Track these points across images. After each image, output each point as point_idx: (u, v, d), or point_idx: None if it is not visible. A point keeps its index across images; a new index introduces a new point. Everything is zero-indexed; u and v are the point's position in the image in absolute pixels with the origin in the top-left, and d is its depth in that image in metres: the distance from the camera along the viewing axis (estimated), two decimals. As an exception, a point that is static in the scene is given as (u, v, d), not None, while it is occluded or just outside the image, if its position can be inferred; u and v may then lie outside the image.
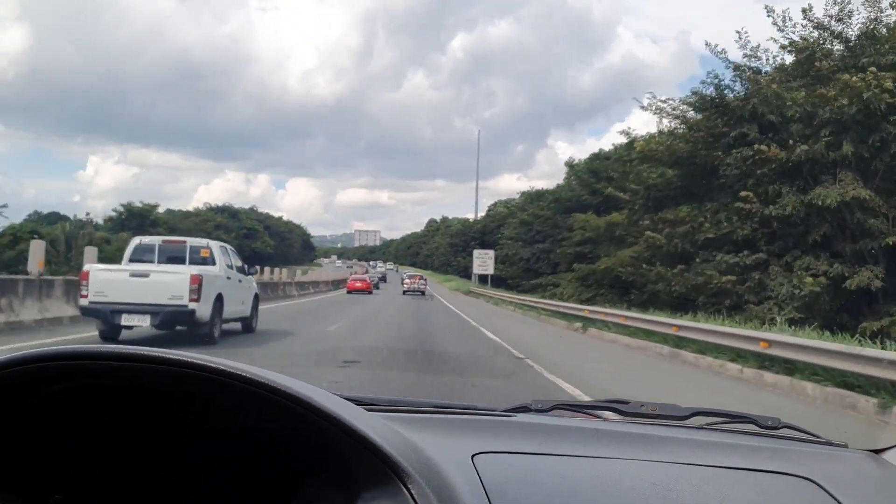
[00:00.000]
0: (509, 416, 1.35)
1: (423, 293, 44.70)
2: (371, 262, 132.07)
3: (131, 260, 10.88)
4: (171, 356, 0.80)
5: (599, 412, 1.47)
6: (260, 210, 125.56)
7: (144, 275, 9.99)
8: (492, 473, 0.92)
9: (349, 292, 42.06)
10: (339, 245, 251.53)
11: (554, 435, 1.23)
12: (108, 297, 9.75)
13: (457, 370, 9.56)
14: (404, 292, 44.84)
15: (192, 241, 11.68)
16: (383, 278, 73.00)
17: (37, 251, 13.72)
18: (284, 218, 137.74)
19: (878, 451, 1.34)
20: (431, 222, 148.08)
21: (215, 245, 11.81)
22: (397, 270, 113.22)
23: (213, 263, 11.10)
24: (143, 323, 9.85)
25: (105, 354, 0.81)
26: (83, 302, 9.93)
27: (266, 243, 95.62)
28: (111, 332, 10.04)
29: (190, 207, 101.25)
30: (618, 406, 1.46)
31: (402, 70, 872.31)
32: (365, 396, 1.33)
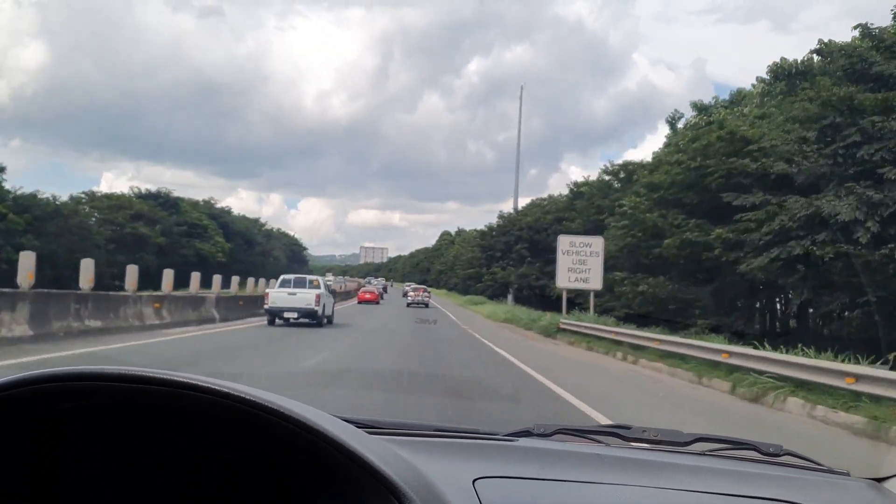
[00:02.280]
0: (512, 440, 1.36)
1: (426, 305, 43.73)
2: (366, 278, 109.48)
3: (280, 286, 20.47)
4: (170, 378, 0.80)
5: (602, 437, 1.46)
6: (268, 224, 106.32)
7: (293, 294, 19.72)
8: (493, 498, 0.93)
9: (359, 303, 43.73)
10: (344, 265, 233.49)
11: (556, 460, 1.24)
12: (276, 304, 19.58)
13: None
14: (408, 304, 43.25)
15: (309, 277, 21.78)
16: (385, 289, 68.88)
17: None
18: (295, 235, 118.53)
19: (880, 480, 1.34)
20: (445, 235, 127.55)
21: (320, 278, 22.39)
22: (392, 285, 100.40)
23: (320, 288, 20.40)
24: (292, 316, 19.25)
25: (108, 376, 0.82)
26: (266, 306, 19.93)
27: (217, 246, 70.10)
28: (273, 321, 19.58)
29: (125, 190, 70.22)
30: (620, 431, 1.46)
31: (417, 92, 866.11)
32: (368, 419, 1.35)
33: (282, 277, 21.16)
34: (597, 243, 23.76)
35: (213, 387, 0.80)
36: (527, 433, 1.44)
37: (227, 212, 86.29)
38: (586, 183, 42.38)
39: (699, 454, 1.42)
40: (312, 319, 19.25)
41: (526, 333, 23.43)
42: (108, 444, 0.90)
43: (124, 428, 0.89)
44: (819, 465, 1.41)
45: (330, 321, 21.01)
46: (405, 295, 50.61)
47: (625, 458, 1.30)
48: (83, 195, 60.33)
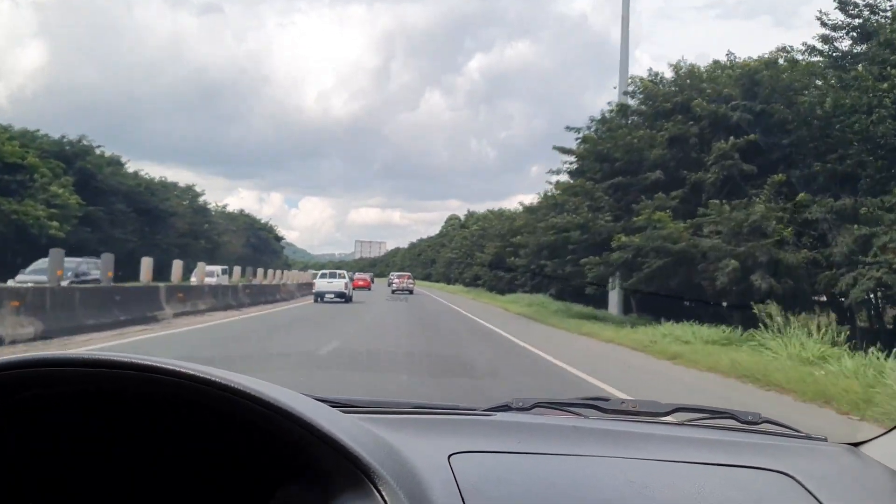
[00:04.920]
0: (489, 415, 1.35)
1: (410, 292, 44.16)
2: (353, 273, 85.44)
3: (321, 277, 31.84)
4: (138, 361, 0.80)
5: (580, 410, 1.46)
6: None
7: (330, 282, 30.36)
8: (468, 473, 0.92)
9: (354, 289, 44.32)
10: (338, 262, 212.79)
11: (533, 433, 1.23)
12: (320, 289, 29.98)
13: None
14: (393, 292, 43.45)
15: (338, 271, 32.69)
16: (371, 279, 62.90)
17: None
18: (270, 222, 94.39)
19: (857, 444, 1.35)
20: (452, 220, 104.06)
21: (346, 272, 33.67)
22: (372, 279, 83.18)
23: (345, 278, 31.10)
24: (330, 296, 29.22)
25: (69, 360, 0.81)
26: (314, 290, 30.49)
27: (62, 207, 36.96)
28: (318, 300, 29.32)
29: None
30: (598, 403, 1.46)
31: (419, 91, 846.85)
32: (343, 398, 1.34)
33: (321, 272, 34.52)
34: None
35: (180, 369, 0.80)
36: (505, 408, 1.43)
37: (108, 161, 48.04)
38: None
39: (677, 424, 1.44)
40: (343, 298, 29.47)
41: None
42: (78, 430, 0.90)
43: (92, 414, 0.88)
44: (797, 431, 1.42)
45: (351, 299, 30.32)
46: (390, 284, 50.39)
47: (603, 430, 1.30)
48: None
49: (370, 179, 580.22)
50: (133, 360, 0.79)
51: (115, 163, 49.08)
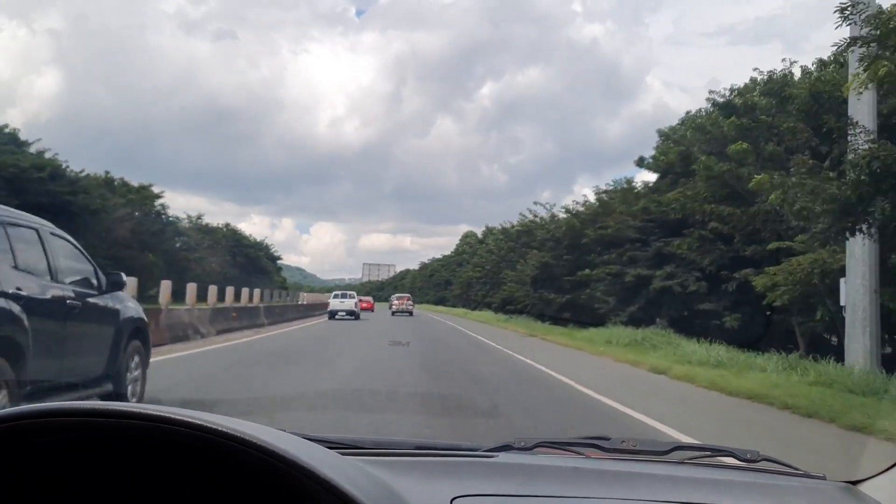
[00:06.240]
0: (491, 456, 1.35)
1: (410, 313, 45.09)
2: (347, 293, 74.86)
3: (333, 297, 36.38)
4: (145, 412, 0.80)
5: (582, 449, 1.45)
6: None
7: (342, 301, 34.70)
8: None
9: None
10: (345, 286, 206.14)
11: (534, 475, 1.24)
12: (333, 308, 34.17)
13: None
14: (393, 314, 44.51)
15: (349, 292, 37.65)
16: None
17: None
18: (266, 240, 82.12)
19: (855, 483, 1.35)
20: (468, 236, 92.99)
21: (354, 293, 37.63)
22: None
23: (355, 298, 35.70)
24: (342, 314, 33.55)
25: (67, 411, 0.82)
26: (329, 308, 34.48)
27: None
28: (332, 317, 33.21)
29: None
30: (600, 442, 1.45)
31: (430, 116, 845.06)
32: (347, 438, 1.34)
33: (334, 292, 39.09)
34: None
35: (171, 416, 0.79)
36: (507, 447, 1.42)
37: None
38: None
39: (677, 463, 1.42)
40: (353, 316, 33.58)
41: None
42: (77, 475, 0.88)
43: (87, 460, 0.87)
44: (795, 469, 1.42)
45: (359, 317, 34.33)
46: (391, 307, 49.85)
47: (603, 471, 1.30)
48: None
49: (381, 204, 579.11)
50: (136, 411, 0.80)
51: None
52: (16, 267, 5.06)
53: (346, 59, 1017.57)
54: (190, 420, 0.79)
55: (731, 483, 1.29)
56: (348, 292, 37.72)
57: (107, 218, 40.87)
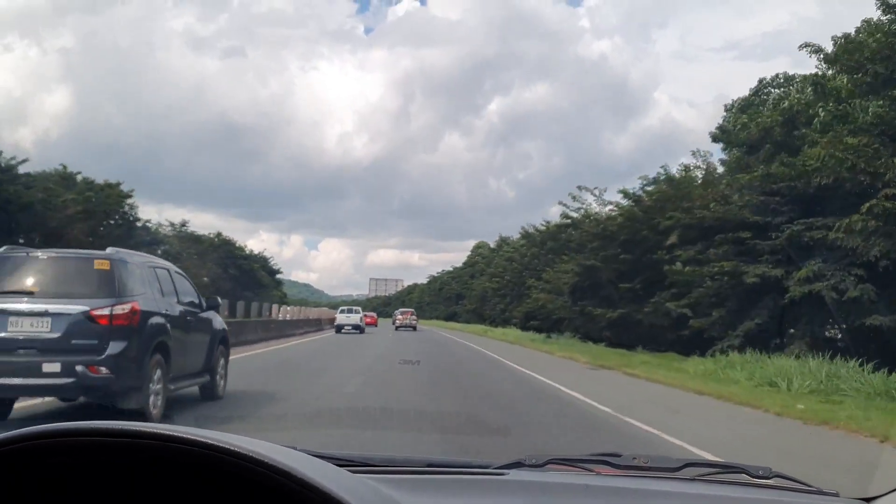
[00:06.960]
0: (502, 473, 1.32)
1: (414, 328, 45.41)
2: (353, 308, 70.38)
3: (340, 312, 40.58)
4: (129, 429, 0.80)
5: (593, 466, 1.43)
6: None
7: (348, 317, 38.85)
8: None
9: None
10: (352, 301, 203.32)
11: (545, 493, 1.21)
12: (340, 322, 38.44)
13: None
14: (396, 328, 44.50)
15: (354, 308, 42.21)
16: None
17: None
18: (264, 253, 74.32)
19: (868, 500, 1.31)
20: (480, 246, 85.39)
21: (360, 309, 42.55)
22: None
23: (360, 313, 39.96)
24: (348, 328, 37.26)
25: (74, 431, 0.81)
26: (335, 323, 39.23)
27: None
28: (338, 331, 37.27)
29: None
30: (611, 459, 1.42)
31: (439, 132, 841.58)
32: (358, 455, 1.32)
33: (341, 307, 42.97)
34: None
35: (174, 434, 0.79)
36: (518, 464, 1.40)
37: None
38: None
39: (689, 480, 1.38)
40: (357, 330, 36.80)
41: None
42: (88, 493, 0.87)
43: (93, 479, 0.86)
44: (808, 486, 1.38)
45: (363, 330, 37.44)
46: (394, 322, 49.98)
47: (613, 488, 1.27)
48: None
49: (389, 220, 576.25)
50: (148, 430, 0.79)
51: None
52: (162, 295, 7.75)
53: (355, 75, 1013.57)
54: (203, 440, 0.77)
55: (743, 500, 1.27)
56: (354, 308, 42.32)
57: (53, 216, 33.58)
